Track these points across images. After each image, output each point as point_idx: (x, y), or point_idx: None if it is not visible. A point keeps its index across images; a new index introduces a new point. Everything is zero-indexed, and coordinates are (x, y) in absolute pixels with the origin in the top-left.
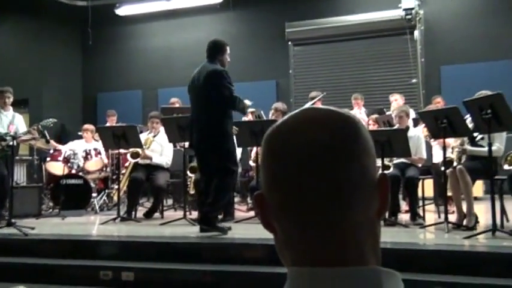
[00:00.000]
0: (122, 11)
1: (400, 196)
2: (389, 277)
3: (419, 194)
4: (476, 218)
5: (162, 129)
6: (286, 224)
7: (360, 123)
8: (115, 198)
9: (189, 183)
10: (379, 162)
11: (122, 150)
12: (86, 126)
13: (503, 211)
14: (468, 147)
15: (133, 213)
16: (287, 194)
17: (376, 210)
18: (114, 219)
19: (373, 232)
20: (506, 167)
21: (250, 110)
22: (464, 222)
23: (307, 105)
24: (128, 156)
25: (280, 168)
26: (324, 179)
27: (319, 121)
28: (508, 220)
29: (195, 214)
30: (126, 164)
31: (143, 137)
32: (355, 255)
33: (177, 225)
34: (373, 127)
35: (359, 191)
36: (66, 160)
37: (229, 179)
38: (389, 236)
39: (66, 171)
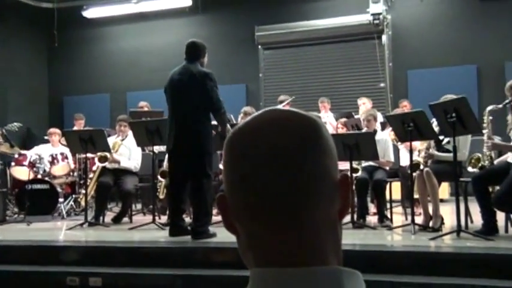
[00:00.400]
0: (89, 13)
1: (368, 199)
2: (350, 276)
3: (387, 196)
4: (442, 219)
5: (130, 133)
6: (248, 225)
7: (321, 125)
8: (82, 203)
9: (158, 187)
10: (347, 165)
11: (89, 155)
12: (52, 130)
13: (467, 212)
14: (435, 152)
15: (101, 218)
16: (248, 195)
17: (337, 211)
18: (82, 224)
19: (335, 232)
20: (470, 169)
21: None
22: (431, 223)
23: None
24: (96, 160)
25: (242, 169)
26: (285, 180)
27: (280, 123)
28: (472, 221)
29: (164, 219)
30: (94, 168)
31: (111, 140)
32: (317, 256)
33: (146, 229)
34: (341, 130)
35: (320, 192)
36: (32, 165)
37: (207, 182)
38: (357, 238)
39: (31, 176)
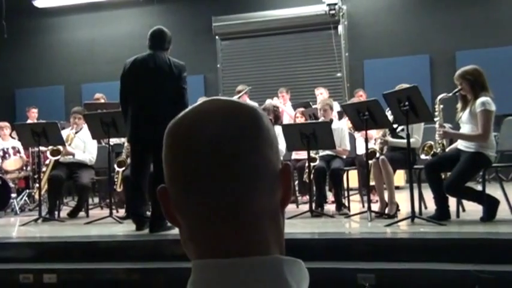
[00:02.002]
0: (40, 2)
1: (327, 187)
2: (291, 265)
3: (345, 184)
4: (397, 206)
5: (85, 125)
6: (188, 216)
7: (261, 115)
8: (37, 198)
9: (116, 179)
10: (305, 154)
11: (42, 148)
12: (2, 124)
13: (421, 199)
14: (389, 138)
15: (56, 213)
16: (188, 186)
17: (279, 200)
18: (36, 220)
19: (276, 222)
20: (423, 156)
21: None
22: (386, 210)
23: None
24: (48, 154)
25: (181, 161)
26: (225, 171)
27: (219, 113)
28: (426, 207)
29: (122, 212)
30: (47, 162)
31: (65, 133)
32: (258, 246)
33: (103, 223)
34: (299, 120)
35: (261, 182)
36: None
37: None
38: (316, 227)
39: None
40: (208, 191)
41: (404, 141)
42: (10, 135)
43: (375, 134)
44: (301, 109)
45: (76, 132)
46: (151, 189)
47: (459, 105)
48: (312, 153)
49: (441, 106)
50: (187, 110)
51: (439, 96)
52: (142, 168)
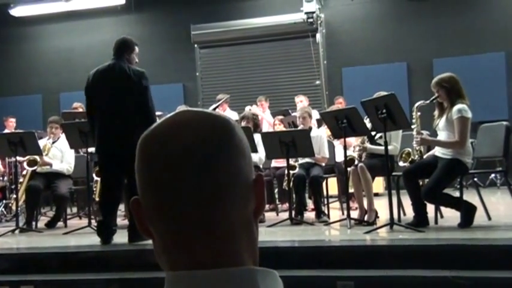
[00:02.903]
0: (17, 11)
1: (306, 195)
2: (265, 276)
3: (324, 192)
4: (376, 213)
5: (63, 135)
6: (161, 228)
7: (233, 125)
8: (14, 208)
9: (94, 189)
10: (285, 162)
11: (19, 158)
12: None
13: (400, 205)
14: (368, 145)
15: (34, 223)
16: (160, 198)
17: (252, 211)
18: (13, 230)
19: (250, 232)
20: (401, 163)
21: (157, 113)
22: (366, 217)
23: (211, 108)
24: (25, 164)
25: (153, 172)
26: (196, 182)
27: (190, 124)
28: (405, 214)
29: None
30: (24, 173)
31: (42, 143)
32: (231, 257)
33: (82, 233)
34: (279, 127)
35: (233, 192)
36: None
37: None
38: (296, 235)
39: None
40: (180, 202)
41: (383, 148)
42: None
43: (353, 141)
44: (280, 117)
45: (53, 142)
46: (127, 200)
47: (436, 113)
48: (291, 161)
49: (418, 113)
50: (159, 121)
51: (417, 104)
52: (113, 179)
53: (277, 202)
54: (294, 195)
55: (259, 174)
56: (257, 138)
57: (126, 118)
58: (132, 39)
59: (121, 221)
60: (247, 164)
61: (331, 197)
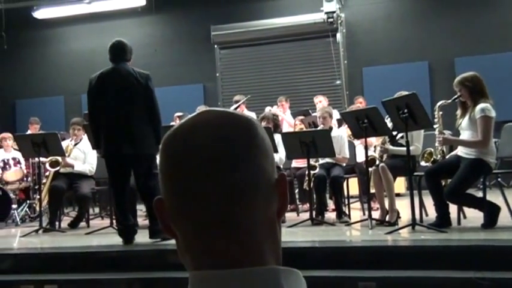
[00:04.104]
0: (40, 14)
1: (327, 195)
2: (288, 275)
3: (345, 192)
4: (398, 213)
5: (85, 136)
6: (185, 228)
7: (256, 125)
8: (38, 209)
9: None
10: (305, 162)
11: (42, 159)
12: (4, 134)
13: (422, 206)
14: (389, 146)
15: (57, 223)
16: (184, 197)
17: (275, 210)
18: (37, 230)
19: (273, 232)
20: (423, 163)
21: (177, 114)
22: (387, 218)
23: (231, 108)
24: (47, 165)
25: (177, 172)
26: (220, 182)
27: (214, 124)
28: (427, 214)
29: None
30: (47, 174)
31: (65, 144)
32: (254, 256)
33: (104, 234)
34: (299, 126)
35: (256, 192)
36: None
37: (156, 182)
38: (316, 235)
39: None
40: (204, 202)
41: (404, 149)
42: (11, 146)
43: (374, 141)
44: (301, 117)
45: (75, 144)
46: (145, 200)
47: (459, 112)
48: (312, 161)
49: (441, 113)
50: (182, 121)
51: (439, 103)
52: (123, 181)
53: (298, 202)
54: (314, 196)
55: (282, 174)
56: (277, 138)
57: (135, 120)
58: (127, 42)
59: (142, 221)
60: (270, 164)
61: (352, 197)
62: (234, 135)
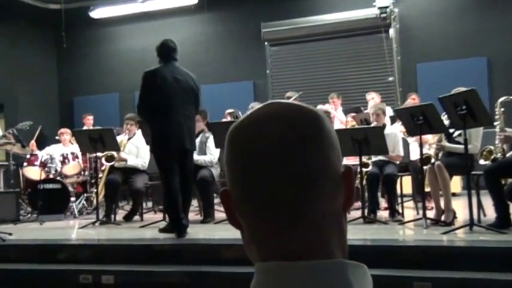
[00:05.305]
0: (96, 13)
1: (379, 193)
2: (356, 270)
3: (398, 190)
4: (454, 213)
5: (139, 131)
6: (251, 219)
7: (322, 117)
8: (94, 202)
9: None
10: (358, 160)
11: (99, 154)
12: (63, 130)
13: (480, 206)
14: (446, 143)
15: (112, 216)
16: (251, 189)
17: (341, 203)
18: (94, 222)
19: (339, 225)
20: (482, 162)
21: (228, 111)
22: (443, 217)
23: None
24: (103, 160)
25: (244, 163)
26: (287, 174)
27: (281, 115)
28: (485, 215)
29: None
30: (103, 168)
31: (119, 139)
32: (321, 249)
33: (157, 227)
34: (351, 123)
35: (323, 184)
36: (43, 165)
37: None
38: (369, 233)
39: (43, 176)
40: (271, 193)
41: (462, 147)
42: (70, 141)
43: (430, 138)
44: (353, 114)
45: (129, 138)
46: (185, 194)
47: None
48: (364, 159)
49: (502, 109)
50: (248, 113)
51: (500, 99)
52: (176, 175)
53: None
54: (366, 194)
55: (348, 167)
56: None
57: (191, 117)
58: None
59: (194, 216)
60: (336, 156)
61: (405, 195)
62: (302, 127)
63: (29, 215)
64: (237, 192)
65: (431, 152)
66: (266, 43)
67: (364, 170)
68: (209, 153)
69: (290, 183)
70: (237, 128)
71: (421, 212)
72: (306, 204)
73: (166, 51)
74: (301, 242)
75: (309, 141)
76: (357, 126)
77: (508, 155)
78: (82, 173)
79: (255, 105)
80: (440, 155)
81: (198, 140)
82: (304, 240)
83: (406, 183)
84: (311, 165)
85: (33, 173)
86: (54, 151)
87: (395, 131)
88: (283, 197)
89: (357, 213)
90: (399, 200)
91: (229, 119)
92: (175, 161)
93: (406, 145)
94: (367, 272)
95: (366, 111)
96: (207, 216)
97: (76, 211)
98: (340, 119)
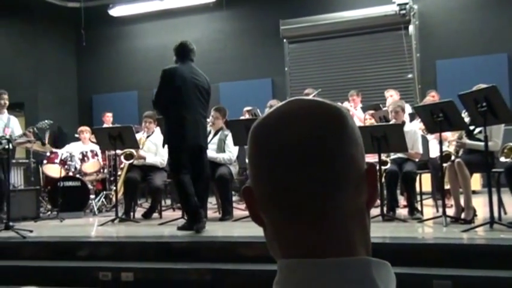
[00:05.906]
0: (115, 11)
1: (398, 191)
2: (379, 267)
3: (417, 188)
4: (475, 211)
5: (157, 129)
6: (274, 216)
7: (345, 114)
8: (114, 199)
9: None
10: (376, 157)
11: (118, 151)
12: (82, 127)
13: (500, 204)
14: (467, 141)
15: (131, 213)
16: (274, 186)
17: (365, 201)
18: (113, 220)
19: (363, 222)
20: (503, 159)
21: (246, 108)
22: (463, 215)
23: None
24: (122, 157)
25: (267, 160)
26: (310, 170)
27: (304, 112)
28: (505, 212)
29: None
30: (122, 166)
31: (138, 137)
32: (344, 246)
33: (176, 225)
34: (370, 121)
35: (347, 181)
36: (63, 162)
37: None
38: (388, 231)
39: (63, 174)
40: (294, 190)
41: (482, 143)
42: (89, 139)
43: (450, 136)
44: (371, 111)
45: (148, 136)
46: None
47: None
48: (383, 156)
49: None
50: (271, 110)
51: None
52: (188, 172)
53: None
54: (385, 191)
55: (371, 164)
56: None
57: (206, 117)
58: None
59: (212, 213)
60: (360, 154)
61: (424, 193)
62: (325, 125)
63: (49, 213)
64: (260, 189)
65: (451, 149)
66: (285, 40)
67: (383, 167)
68: (228, 151)
69: (314, 182)
70: (260, 125)
71: (440, 209)
72: (330, 202)
73: (185, 51)
74: (325, 239)
75: (333, 139)
76: (375, 124)
77: None
78: (101, 170)
79: (274, 103)
80: (460, 152)
81: (216, 138)
82: (328, 237)
83: (425, 181)
84: (335, 163)
85: (53, 170)
86: (73, 149)
87: (414, 128)
88: (307, 196)
89: (376, 211)
90: (418, 198)
91: (247, 116)
92: (189, 158)
93: (425, 142)
94: (390, 270)
95: (384, 109)
96: (226, 214)
97: (95, 208)
98: (358, 117)
